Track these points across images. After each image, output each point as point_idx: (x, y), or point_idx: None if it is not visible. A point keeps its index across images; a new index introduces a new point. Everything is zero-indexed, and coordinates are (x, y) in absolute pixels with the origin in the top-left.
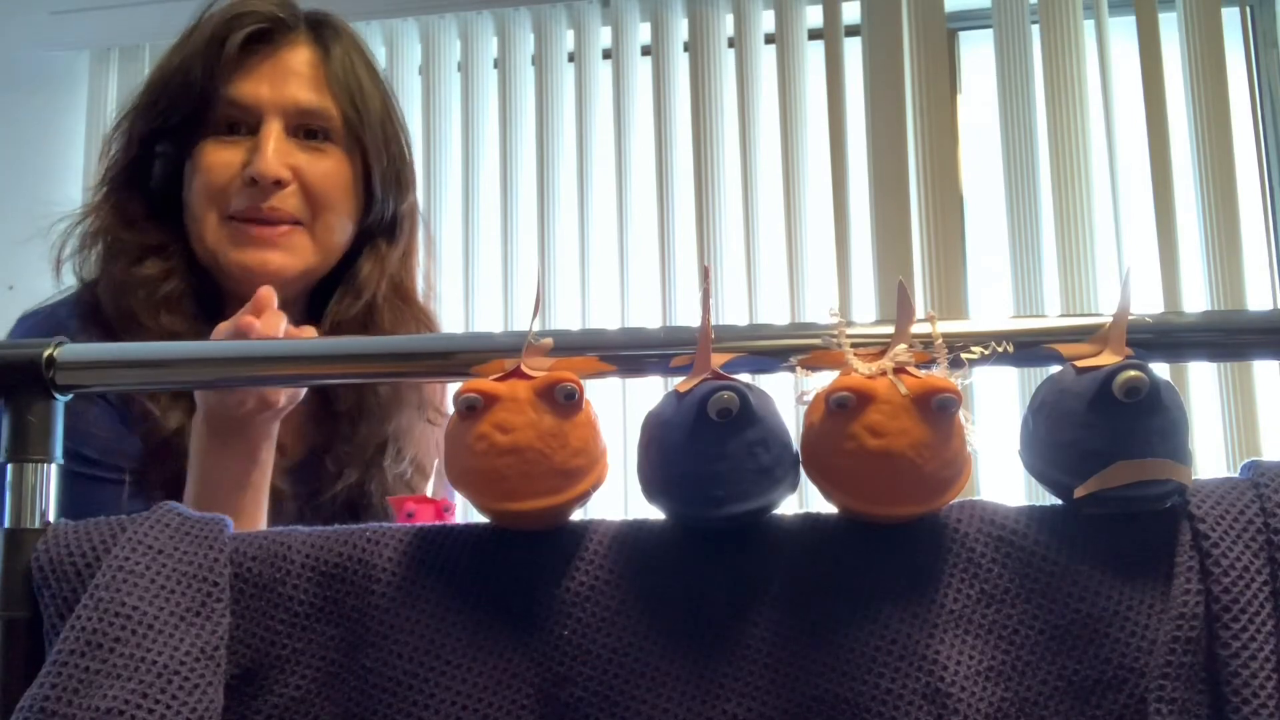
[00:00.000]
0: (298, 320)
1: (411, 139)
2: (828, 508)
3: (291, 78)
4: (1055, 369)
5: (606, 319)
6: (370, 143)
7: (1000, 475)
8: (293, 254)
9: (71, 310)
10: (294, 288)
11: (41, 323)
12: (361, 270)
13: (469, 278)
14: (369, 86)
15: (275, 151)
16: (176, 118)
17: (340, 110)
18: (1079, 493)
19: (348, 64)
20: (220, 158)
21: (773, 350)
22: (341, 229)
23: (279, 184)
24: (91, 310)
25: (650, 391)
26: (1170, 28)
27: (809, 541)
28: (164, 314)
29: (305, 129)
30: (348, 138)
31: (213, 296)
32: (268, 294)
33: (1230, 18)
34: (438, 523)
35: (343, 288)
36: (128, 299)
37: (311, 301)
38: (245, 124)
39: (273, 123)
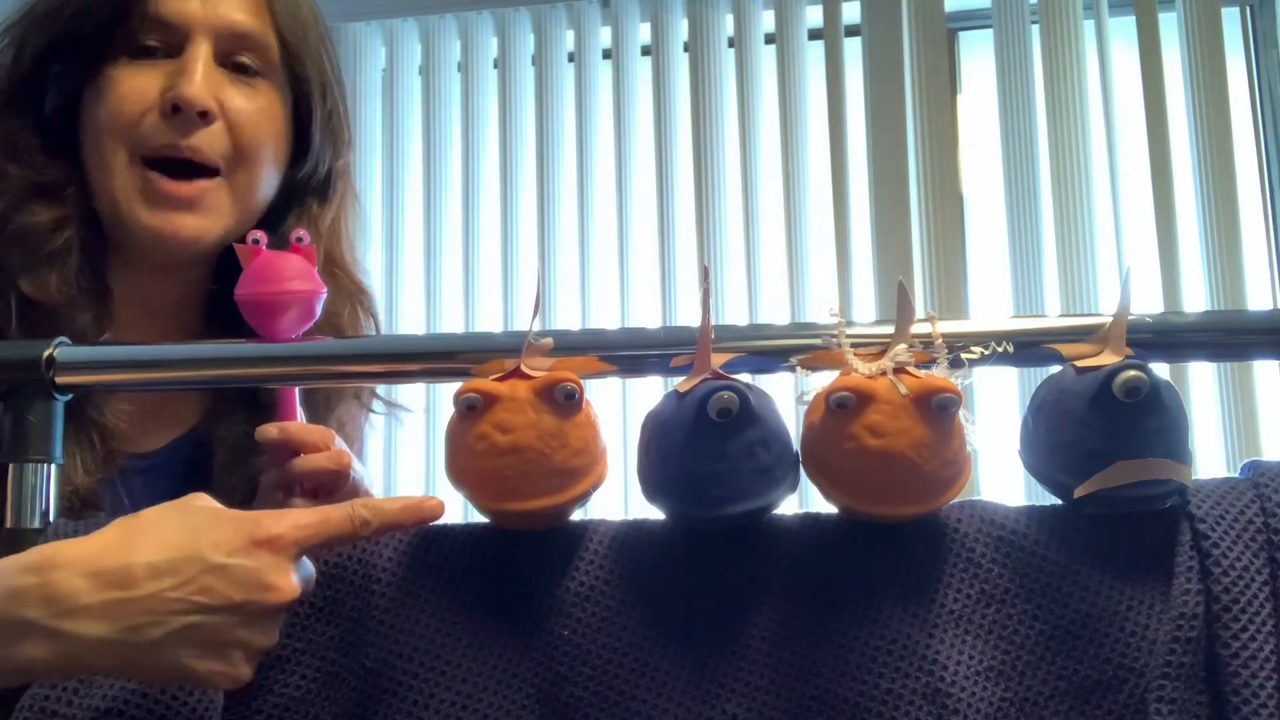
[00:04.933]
0: (202, 291)
1: (413, 137)
2: (828, 508)
3: None
4: (1055, 369)
5: (606, 319)
6: (312, 79)
7: (1000, 475)
8: (210, 217)
9: None
10: (204, 253)
11: None
12: (290, 233)
13: (469, 278)
14: (310, 22)
15: (204, 77)
16: (85, 30)
17: (279, 39)
18: (1079, 493)
19: None
20: (134, 84)
21: (773, 350)
22: (266, 183)
23: (204, 116)
24: None
25: (650, 391)
26: (1170, 28)
27: (809, 541)
28: (46, 273)
29: (235, 61)
30: (284, 74)
31: (101, 260)
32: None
33: (1230, 18)
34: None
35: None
36: (3, 255)
37: (221, 264)
38: (165, 45)
39: (201, 44)
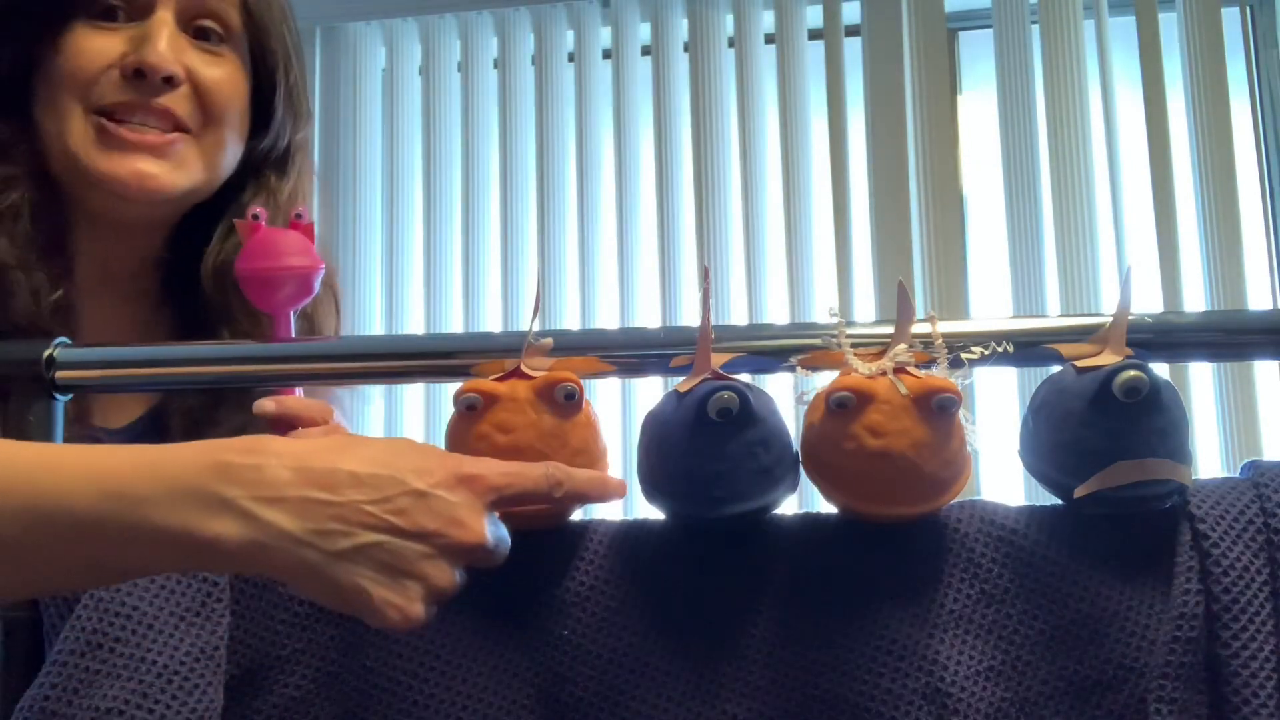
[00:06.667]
0: (160, 257)
1: (413, 137)
2: (828, 508)
3: None
4: (1055, 369)
5: (606, 319)
6: (276, 51)
7: (1000, 475)
8: (178, 167)
9: None
10: (166, 210)
11: None
12: (248, 206)
13: (469, 278)
14: None
15: (169, 42)
16: None
17: (242, 7)
18: (1079, 493)
19: None
20: (94, 44)
21: (773, 350)
22: (232, 148)
23: (170, 81)
24: None
25: (650, 391)
26: (1170, 28)
27: (809, 541)
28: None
29: (198, 25)
30: (245, 43)
31: (56, 222)
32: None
33: (1230, 18)
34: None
35: (226, 224)
36: None
37: (177, 233)
38: (126, 10)
39: (164, 10)
